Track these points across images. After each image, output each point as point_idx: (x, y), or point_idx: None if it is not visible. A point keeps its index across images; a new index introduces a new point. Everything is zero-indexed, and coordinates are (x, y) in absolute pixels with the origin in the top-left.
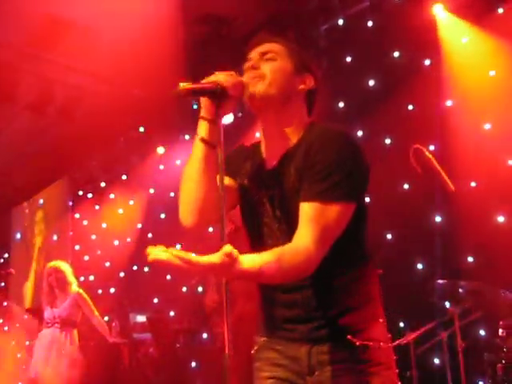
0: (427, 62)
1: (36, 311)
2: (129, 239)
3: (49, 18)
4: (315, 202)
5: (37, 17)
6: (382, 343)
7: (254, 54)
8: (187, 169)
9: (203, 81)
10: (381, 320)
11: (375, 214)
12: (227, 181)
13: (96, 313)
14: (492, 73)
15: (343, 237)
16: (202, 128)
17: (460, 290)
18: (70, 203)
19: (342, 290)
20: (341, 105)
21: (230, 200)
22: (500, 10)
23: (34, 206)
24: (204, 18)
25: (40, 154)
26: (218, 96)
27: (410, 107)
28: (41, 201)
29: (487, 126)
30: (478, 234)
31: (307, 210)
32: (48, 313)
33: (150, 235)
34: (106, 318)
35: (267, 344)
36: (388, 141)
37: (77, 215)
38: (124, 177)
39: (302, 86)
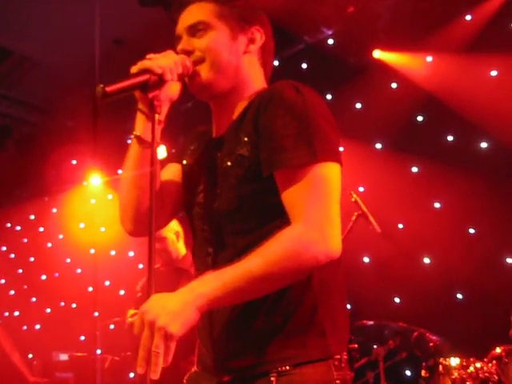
0: (358, 105)
1: None
2: (57, 274)
3: None
4: (297, 168)
5: None
6: None
7: (181, 30)
8: (124, 170)
9: (133, 71)
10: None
11: None
12: (174, 169)
13: (17, 350)
14: (420, 118)
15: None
16: (139, 123)
17: (385, 331)
18: None
19: (267, 301)
20: None
21: (178, 194)
22: (429, 59)
23: None
24: (144, 53)
25: None
26: (152, 87)
27: (341, 149)
28: None
29: (414, 169)
30: (405, 274)
31: (287, 179)
32: None
33: (78, 270)
34: (30, 355)
35: (194, 376)
36: None
37: (3, 248)
38: (54, 210)
39: (251, 47)
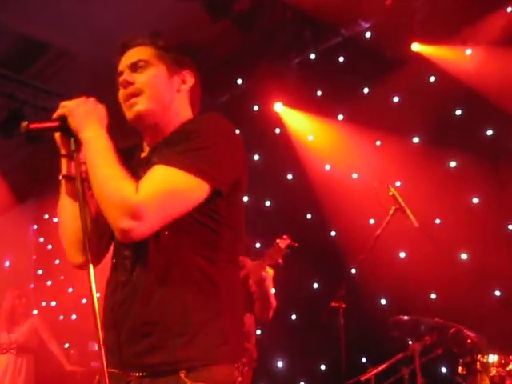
0: (396, 99)
1: None
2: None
3: (23, 38)
4: (160, 165)
5: (11, 36)
6: None
7: (124, 67)
8: (59, 210)
9: (54, 115)
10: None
11: (340, 249)
12: None
13: (55, 339)
14: (458, 112)
15: (192, 227)
16: (63, 165)
17: (422, 327)
18: (35, 226)
19: (174, 298)
20: (310, 138)
21: None
22: (468, 52)
23: None
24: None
25: (6, 176)
26: (67, 130)
27: (378, 143)
28: None
29: (452, 164)
30: (442, 270)
31: (151, 171)
32: (4, 338)
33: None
34: (66, 345)
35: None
36: (355, 175)
37: (41, 239)
38: None
39: (183, 86)
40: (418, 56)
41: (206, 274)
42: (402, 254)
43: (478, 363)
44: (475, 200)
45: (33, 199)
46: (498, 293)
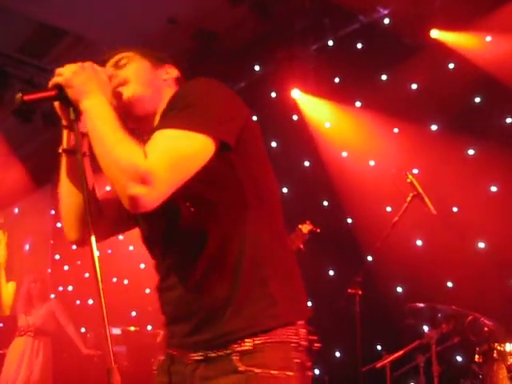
0: (414, 86)
1: (9, 319)
2: (110, 251)
3: (41, 25)
4: (158, 132)
5: (29, 23)
6: (275, 371)
7: (109, 68)
8: (59, 185)
9: (50, 84)
10: (285, 331)
11: (357, 236)
12: None
13: (72, 323)
14: (477, 99)
15: (213, 188)
16: (64, 139)
17: (438, 315)
18: (53, 212)
19: (215, 276)
20: (327, 125)
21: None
22: (488, 38)
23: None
24: (196, 33)
25: (25, 161)
26: (64, 99)
27: (396, 130)
28: (16, 210)
29: (471, 152)
30: (459, 258)
31: (152, 139)
32: (22, 321)
33: (131, 247)
34: (83, 329)
35: (163, 365)
36: (372, 162)
37: (58, 224)
38: (108, 188)
39: (166, 76)
40: (437, 43)
41: (243, 238)
42: (419, 242)
43: (495, 351)
44: (493, 188)
45: (51, 184)
46: None
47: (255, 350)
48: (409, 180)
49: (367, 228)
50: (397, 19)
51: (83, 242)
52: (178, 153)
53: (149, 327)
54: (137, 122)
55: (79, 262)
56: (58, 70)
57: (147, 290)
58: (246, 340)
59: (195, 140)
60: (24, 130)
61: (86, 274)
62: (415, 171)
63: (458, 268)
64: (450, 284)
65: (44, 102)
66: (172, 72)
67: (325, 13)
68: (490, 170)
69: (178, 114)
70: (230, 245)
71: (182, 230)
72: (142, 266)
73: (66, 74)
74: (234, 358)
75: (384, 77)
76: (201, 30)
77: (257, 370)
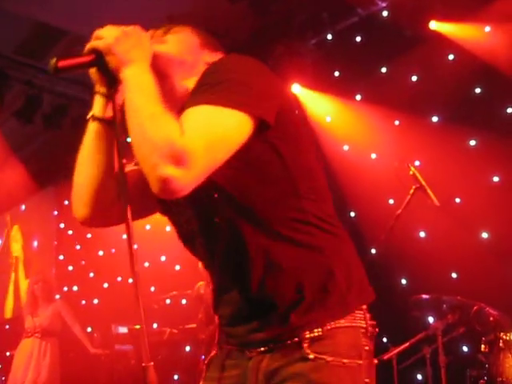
0: (414, 78)
1: (16, 321)
2: (113, 250)
3: (40, 25)
4: (190, 108)
5: (27, 23)
6: (347, 360)
7: (158, 32)
8: (80, 153)
9: (88, 47)
10: (353, 318)
11: (360, 229)
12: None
13: (78, 323)
14: (478, 90)
15: (263, 174)
16: (96, 104)
17: (443, 306)
18: (56, 212)
19: (287, 257)
20: (328, 119)
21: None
22: (487, 29)
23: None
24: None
25: (26, 162)
26: (103, 66)
27: (397, 122)
28: (23, 207)
29: (472, 143)
30: (462, 249)
31: (184, 115)
32: (29, 322)
33: (135, 246)
34: (89, 329)
35: (215, 359)
36: (374, 156)
37: (62, 225)
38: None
39: (209, 59)
40: (436, 34)
41: (295, 230)
42: (423, 234)
43: (501, 341)
44: (495, 178)
45: (53, 186)
46: None
47: (325, 337)
48: (411, 172)
49: (370, 221)
50: (395, 11)
51: (91, 220)
52: (216, 131)
53: (154, 325)
54: (154, 69)
55: (83, 262)
56: (98, 33)
57: (152, 288)
58: (316, 328)
59: (232, 117)
60: (25, 131)
61: (91, 274)
62: (417, 163)
63: (462, 258)
64: (454, 275)
65: (80, 68)
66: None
67: (323, 6)
68: (491, 160)
69: (212, 89)
70: (282, 237)
71: (222, 224)
72: (147, 264)
73: (107, 39)
74: (304, 345)
75: (384, 69)
76: (200, 28)
77: (328, 358)
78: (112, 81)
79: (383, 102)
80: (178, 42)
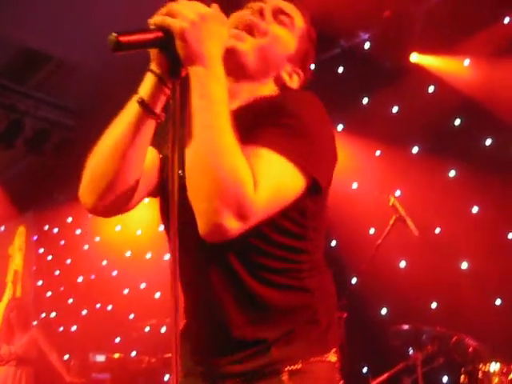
0: (395, 109)
1: None
2: (93, 276)
3: (23, 49)
4: (268, 150)
5: (11, 47)
6: None
7: (267, 5)
8: (107, 132)
9: (156, 22)
10: (329, 355)
11: (341, 258)
12: (150, 155)
13: (55, 351)
14: (457, 122)
15: (286, 223)
16: (146, 85)
17: (423, 336)
18: (35, 237)
19: (275, 300)
20: None
21: (148, 181)
22: (466, 62)
23: None
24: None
25: (7, 186)
26: (169, 49)
27: (378, 153)
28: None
29: (452, 173)
30: (442, 279)
31: (261, 156)
32: (4, 349)
33: (114, 273)
34: (66, 356)
35: None
36: (355, 185)
37: (41, 250)
38: None
39: (285, 76)
40: (417, 66)
41: (290, 278)
42: (403, 264)
43: (480, 372)
44: (475, 209)
45: (33, 210)
46: (498, 301)
47: (305, 370)
48: (391, 202)
49: (351, 250)
50: (377, 43)
51: (101, 210)
52: (283, 191)
53: (133, 353)
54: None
55: (62, 288)
56: (171, 7)
57: (131, 316)
58: (296, 362)
59: (299, 178)
60: (6, 155)
61: (70, 300)
62: (397, 193)
63: (442, 289)
64: (434, 305)
65: (142, 47)
66: (293, 80)
67: None
68: (470, 191)
69: (289, 139)
70: (278, 277)
71: (219, 254)
72: (126, 291)
73: (183, 20)
74: (284, 377)
75: (365, 100)
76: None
77: None
78: (176, 69)
79: (365, 133)
80: (279, 42)
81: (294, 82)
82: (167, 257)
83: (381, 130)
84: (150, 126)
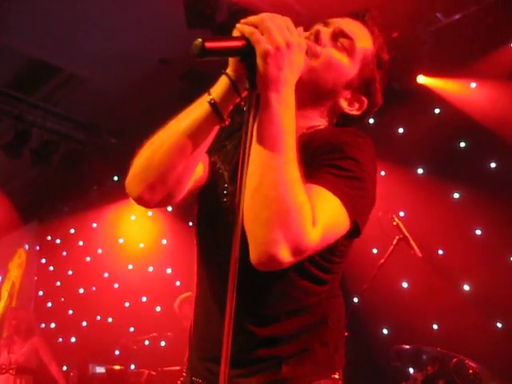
0: (401, 130)
1: None
2: (94, 288)
3: (33, 61)
4: (328, 192)
5: (21, 58)
6: None
7: (332, 24)
8: (170, 125)
9: (239, 27)
10: (335, 376)
11: (343, 278)
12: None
13: (55, 361)
14: (462, 144)
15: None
16: (219, 88)
17: (424, 357)
18: (38, 248)
19: (295, 323)
20: None
21: (196, 181)
22: (473, 85)
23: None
24: (187, 73)
25: (12, 196)
26: (250, 61)
27: (383, 173)
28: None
29: (456, 195)
30: (443, 301)
31: (322, 197)
32: (4, 358)
33: (116, 285)
34: (65, 368)
35: None
36: None
37: (43, 260)
38: (94, 224)
39: (342, 103)
40: (424, 88)
41: (312, 304)
42: (405, 284)
43: None
44: (478, 231)
45: (37, 220)
46: (499, 324)
47: None
48: (395, 223)
49: (353, 270)
50: None
51: (146, 200)
52: (333, 232)
53: (132, 366)
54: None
55: (63, 299)
56: (261, 21)
57: (131, 329)
58: (303, 382)
59: (347, 221)
60: (12, 165)
61: (70, 311)
62: (401, 214)
63: (443, 310)
64: (435, 326)
65: (227, 55)
66: (355, 109)
67: None
68: (474, 213)
69: (346, 182)
70: (301, 304)
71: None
72: (127, 304)
73: (268, 41)
74: None
75: (371, 120)
76: (192, 70)
77: None
78: (254, 81)
79: None
80: (331, 66)
81: (354, 110)
82: (169, 271)
83: (386, 150)
84: (214, 129)
